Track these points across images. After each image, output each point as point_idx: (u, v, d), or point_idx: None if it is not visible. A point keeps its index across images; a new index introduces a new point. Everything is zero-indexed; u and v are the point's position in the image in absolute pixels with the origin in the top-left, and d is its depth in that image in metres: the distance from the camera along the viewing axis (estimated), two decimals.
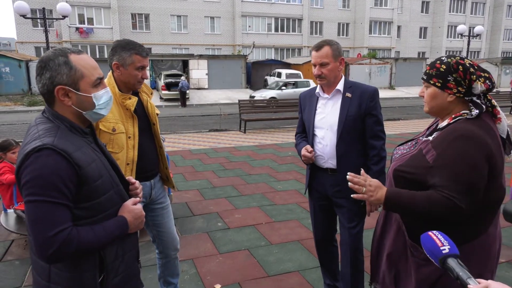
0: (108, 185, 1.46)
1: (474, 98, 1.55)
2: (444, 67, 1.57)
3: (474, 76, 1.52)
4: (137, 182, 1.67)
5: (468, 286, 1.10)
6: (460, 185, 1.47)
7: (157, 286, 2.87)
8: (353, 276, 2.61)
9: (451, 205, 1.47)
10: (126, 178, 1.64)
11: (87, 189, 1.36)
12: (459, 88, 1.55)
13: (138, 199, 1.59)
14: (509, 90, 19.78)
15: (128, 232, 1.50)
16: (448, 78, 1.56)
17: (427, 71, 1.63)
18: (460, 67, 1.54)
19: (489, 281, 1.09)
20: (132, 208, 1.52)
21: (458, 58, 1.56)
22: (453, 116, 1.59)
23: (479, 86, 1.53)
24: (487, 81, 1.53)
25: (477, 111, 1.52)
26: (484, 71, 1.55)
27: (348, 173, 1.72)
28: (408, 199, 1.56)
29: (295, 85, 21.74)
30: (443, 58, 1.59)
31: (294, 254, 3.71)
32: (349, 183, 1.71)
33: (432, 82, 1.60)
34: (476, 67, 1.54)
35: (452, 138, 1.52)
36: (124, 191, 1.56)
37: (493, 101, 1.57)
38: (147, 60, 2.29)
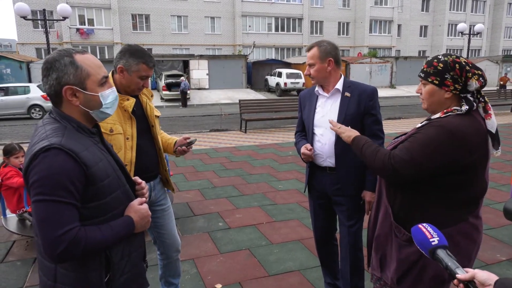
0: (115, 185, 1.46)
1: (468, 95, 1.63)
2: (442, 65, 1.63)
3: (470, 74, 1.59)
4: (143, 182, 1.67)
5: (457, 275, 1.16)
6: (407, 155, 1.62)
7: (158, 286, 2.88)
8: (352, 274, 2.62)
9: (387, 162, 1.66)
10: (133, 178, 1.64)
11: (94, 189, 1.36)
12: (456, 85, 1.62)
13: (144, 199, 1.59)
14: (498, 87, 19.92)
15: (134, 232, 1.51)
16: (446, 76, 1.62)
17: (425, 69, 1.69)
18: (456, 65, 1.60)
19: (476, 270, 1.15)
20: (139, 208, 1.52)
21: (454, 56, 1.63)
22: (445, 110, 1.66)
23: (473, 84, 1.60)
24: (480, 78, 1.61)
25: (467, 107, 1.60)
26: (478, 68, 1.62)
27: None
28: (366, 145, 1.84)
29: (5, 91, 16.20)
30: (440, 57, 1.66)
31: (294, 253, 3.72)
32: (327, 134, 2.22)
33: (430, 80, 1.67)
34: (470, 65, 1.61)
35: (434, 124, 1.62)
36: (130, 191, 1.57)
37: (486, 97, 1.66)
38: (152, 71, 2.30)
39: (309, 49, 2.46)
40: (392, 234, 1.75)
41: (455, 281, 1.17)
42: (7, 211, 4.03)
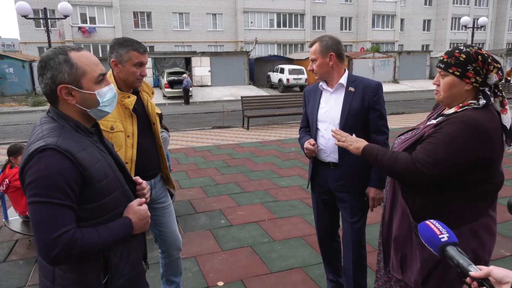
0: (113, 186, 1.44)
1: (486, 89, 1.60)
2: (464, 56, 1.59)
3: (491, 67, 1.57)
4: (144, 182, 1.65)
5: (470, 273, 1.10)
6: (431, 156, 1.57)
7: (159, 284, 2.87)
8: (355, 271, 2.60)
9: (410, 166, 1.60)
10: (133, 178, 1.62)
11: (91, 190, 1.34)
12: (477, 78, 1.58)
13: (143, 199, 1.56)
14: (504, 81, 19.87)
15: (133, 233, 1.49)
16: (468, 68, 1.58)
17: (445, 60, 1.63)
18: (479, 57, 1.57)
19: (492, 267, 1.10)
20: (138, 209, 1.50)
21: (476, 48, 1.60)
22: (460, 105, 1.62)
23: (494, 77, 1.57)
24: (499, 72, 1.58)
25: (484, 101, 1.57)
26: (497, 62, 1.59)
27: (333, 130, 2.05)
28: (381, 153, 1.76)
29: None
30: (462, 48, 1.62)
31: (297, 250, 3.70)
32: (331, 132, 2.06)
33: (451, 71, 1.62)
34: (491, 58, 1.58)
35: (454, 121, 1.57)
36: (129, 191, 1.54)
37: (503, 92, 1.63)
38: (145, 56, 2.27)
39: (311, 45, 2.47)
40: (412, 234, 1.72)
41: (468, 279, 1.11)
42: (9, 211, 4.03)
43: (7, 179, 3.69)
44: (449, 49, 1.66)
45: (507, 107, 1.61)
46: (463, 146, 1.52)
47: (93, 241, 1.32)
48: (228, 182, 5.97)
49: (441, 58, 1.66)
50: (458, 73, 1.59)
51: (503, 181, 1.65)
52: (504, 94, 1.62)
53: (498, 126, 1.57)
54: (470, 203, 1.61)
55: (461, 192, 1.61)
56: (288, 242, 3.87)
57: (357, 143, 1.92)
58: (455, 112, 1.61)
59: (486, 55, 1.57)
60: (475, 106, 1.57)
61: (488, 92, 1.59)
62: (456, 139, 1.53)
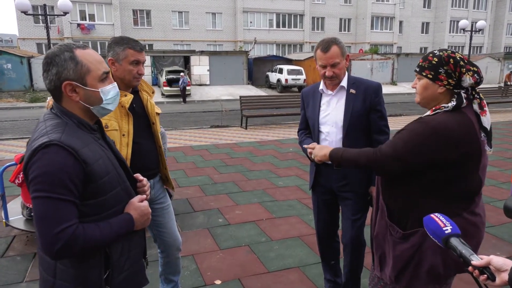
0: (115, 182, 1.46)
1: (462, 92, 1.63)
2: (436, 59, 1.64)
3: (464, 69, 1.60)
4: (145, 179, 1.67)
5: (472, 262, 1.17)
6: (391, 148, 1.68)
7: (157, 282, 2.88)
8: (354, 269, 2.62)
9: (371, 157, 1.73)
10: (134, 175, 1.64)
11: (93, 186, 1.36)
12: (450, 80, 1.63)
13: (144, 196, 1.59)
14: (502, 84, 19.99)
15: (134, 230, 1.50)
16: (440, 70, 1.63)
17: (420, 64, 1.71)
18: (451, 60, 1.62)
19: (491, 256, 1.17)
20: (138, 205, 1.52)
21: (450, 51, 1.65)
22: (433, 108, 1.68)
23: (467, 79, 1.61)
24: (475, 75, 1.61)
25: (455, 103, 1.61)
26: (473, 65, 1.63)
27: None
28: (346, 151, 1.88)
29: None
30: (436, 52, 1.68)
31: (294, 250, 3.72)
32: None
33: (424, 74, 1.68)
34: (466, 61, 1.62)
35: (420, 121, 1.65)
36: (131, 188, 1.56)
37: (481, 94, 1.67)
38: (142, 54, 2.26)
39: (327, 49, 2.33)
40: (388, 232, 1.76)
41: (470, 268, 1.18)
42: (7, 206, 4.02)
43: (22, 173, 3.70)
44: (426, 54, 1.72)
45: (486, 108, 1.64)
46: (420, 144, 1.59)
47: (94, 236, 1.34)
48: (226, 181, 5.98)
49: (418, 62, 1.74)
50: (431, 76, 1.65)
51: (480, 186, 1.67)
52: (482, 96, 1.65)
53: (470, 128, 1.59)
54: (439, 203, 1.63)
55: (431, 191, 1.64)
56: (285, 242, 3.89)
57: (321, 150, 2.02)
58: (427, 115, 1.67)
59: (458, 58, 1.61)
60: (445, 109, 1.62)
61: (464, 95, 1.62)
62: (414, 136, 1.61)
